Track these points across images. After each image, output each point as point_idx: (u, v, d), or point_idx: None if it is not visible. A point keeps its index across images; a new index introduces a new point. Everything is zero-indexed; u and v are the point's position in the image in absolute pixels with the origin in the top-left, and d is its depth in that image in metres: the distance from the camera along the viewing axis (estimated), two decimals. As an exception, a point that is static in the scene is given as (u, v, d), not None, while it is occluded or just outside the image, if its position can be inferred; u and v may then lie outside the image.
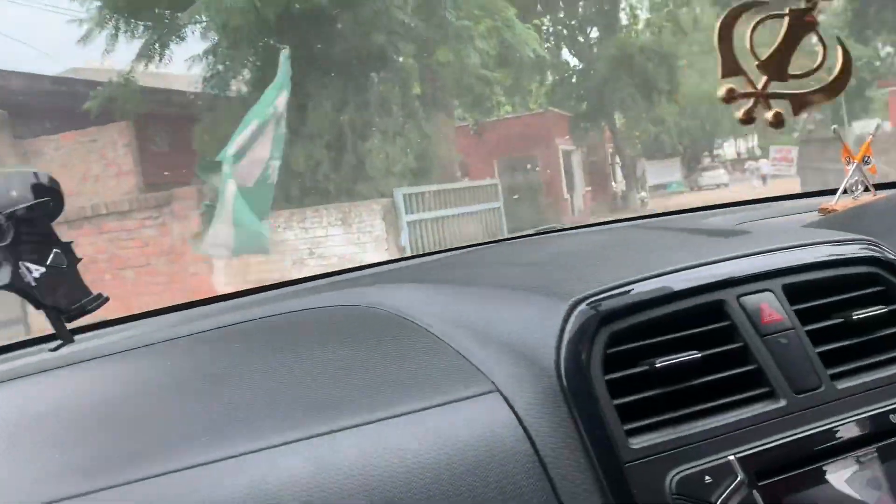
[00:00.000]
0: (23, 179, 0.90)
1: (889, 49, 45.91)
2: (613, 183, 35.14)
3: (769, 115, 0.51)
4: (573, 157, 29.70)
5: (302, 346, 1.09)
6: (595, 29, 29.35)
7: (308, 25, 9.75)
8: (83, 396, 0.98)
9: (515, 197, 25.07)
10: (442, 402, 0.85)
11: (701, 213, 1.93)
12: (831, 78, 0.49)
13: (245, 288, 1.49)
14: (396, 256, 6.50)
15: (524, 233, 2.19)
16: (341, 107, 10.07)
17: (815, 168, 8.78)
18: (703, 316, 0.92)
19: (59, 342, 0.98)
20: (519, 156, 27.19)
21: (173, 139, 12.71)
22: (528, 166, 25.62)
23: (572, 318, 0.88)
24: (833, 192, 1.58)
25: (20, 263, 0.88)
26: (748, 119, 0.51)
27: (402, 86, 9.84)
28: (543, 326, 0.89)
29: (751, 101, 0.53)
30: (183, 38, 10.75)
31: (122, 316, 1.24)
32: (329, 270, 1.61)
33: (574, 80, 29.87)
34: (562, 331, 0.87)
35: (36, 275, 0.88)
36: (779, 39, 0.46)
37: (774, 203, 2.04)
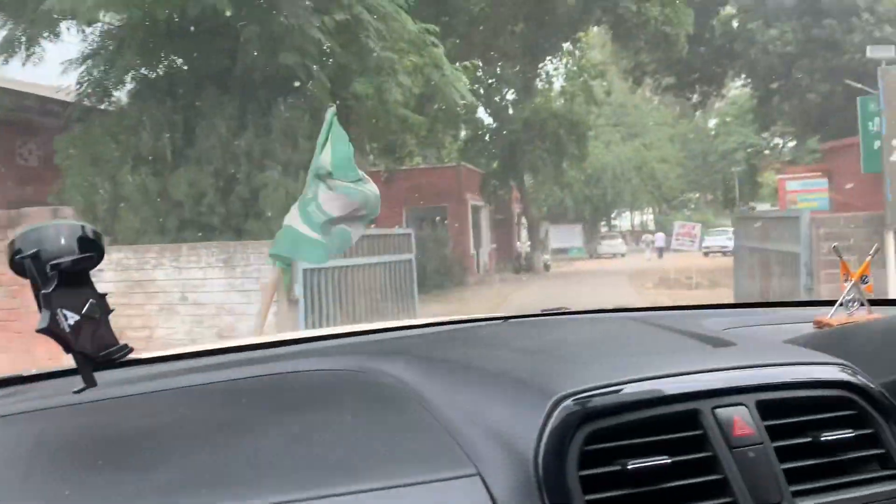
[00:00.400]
0: (72, 232, 0.96)
1: (778, 140, 48.25)
2: (518, 243, 34.61)
3: None
4: (482, 214, 28.86)
5: (302, 407, 1.15)
6: (511, 91, 28.92)
7: (207, 35, 8.24)
8: (98, 437, 1.05)
9: (423, 249, 23.89)
10: (425, 479, 0.87)
11: (698, 311, 1.91)
12: None
13: (256, 342, 1.53)
14: (288, 307, 6.19)
15: (527, 313, 1.91)
16: (238, 131, 8.48)
17: (751, 248, 8.07)
18: (679, 423, 0.94)
19: (83, 386, 1.00)
20: (429, 207, 26.17)
21: (46, 152, 10.79)
22: (438, 218, 24.51)
23: (555, 414, 0.91)
24: (831, 303, 1.58)
25: (58, 310, 0.92)
26: None
27: (312, 115, 8.39)
28: (529, 417, 0.92)
29: None
30: (57, 35, 8.98)
31: (135, 358, 1.20)
32: (328, 333, 1.66)
33: (487, 137, 29.24)
34: (544, 424, 0.90)
35: (71, 322, 0.92)
36: None
37: (771, 309, 2.10)
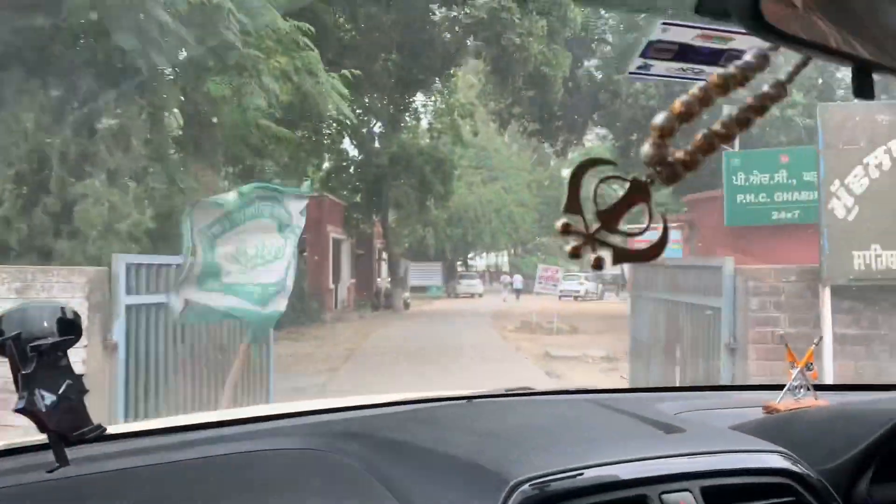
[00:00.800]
0: (52, 313, 0.97)
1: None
2: (378, 279, 33.19)
3: (592, 257, 0.62)
4: (342, 247, 27.23)
5: (269, 488, 1.17)
6: (379, 124, 27.75)
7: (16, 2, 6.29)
8: None
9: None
10: None
11: (654, 394, 1.98)
12: (649, 246, 0.61)
13: (226, 419, 1.53)
14: (113, 354, 5.06)
15: (492, 392, 1.89)
16: (50, 126, 6.54)
17: (654, 297, 7.20)
18: None
19: (56, 465, 0.99)
20: (286, 238, 24.24)
21: None
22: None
23: (512, 499, 0.94)
24: (779, 387, 1.63)
25: (36, 391, 0.92)
26: (575, 254, 0.59)
27: (152, 116, 6.61)
28: (487, 501, 0.95)
29: (581, 241, 0.51)
30: None
31: (108, 434, 1.14)
32: (296, 411, 1.62)
33: (352, 170, 27.81)
34: None
35: (48, 402, 0.93)
36: (619, 198, 0.59)
37: (723, 392, 2.15)
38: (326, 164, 28.25)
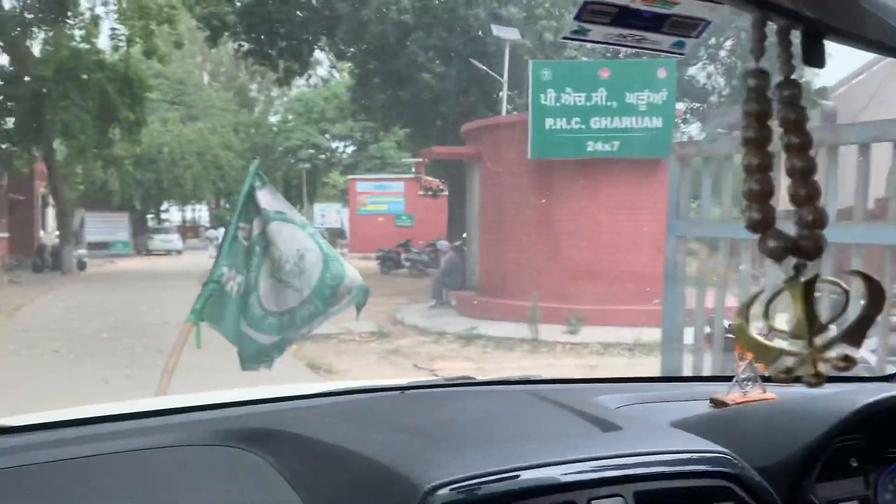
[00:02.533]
0: None
1: (338, 143, 46.46)
2: (43, 232, 25.32)
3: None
4: (-17, 189, 19.65)
5: (169, 484, 1.09)
6: (42, 28, 20.31)
7: None
8: None
9: None
10: None
11: (600, 384, 1.79)
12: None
13: (125, 412, 1.38)
14: None
15: (428, 382, 1.79)
16: None
17: None
18: None
19: None
20: None
21: None
22: None
23: None
24: (728, 379, 1.55)
25: None
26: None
27: None
28: None
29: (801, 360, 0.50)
30: None
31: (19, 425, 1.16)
32: (193, 404, 1.43)
33: (1, 84, 20.07)
34: None
35: None
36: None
37: (669, 384, 1.99)
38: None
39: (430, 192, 22.74)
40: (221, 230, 37.50)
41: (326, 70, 52.86)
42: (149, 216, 42.45)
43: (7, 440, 1.20)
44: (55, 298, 14.83)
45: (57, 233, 22.74)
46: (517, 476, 0.93)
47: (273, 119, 50.82)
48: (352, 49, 20.51)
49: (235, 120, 42.63)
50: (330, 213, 33.59)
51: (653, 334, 10.34)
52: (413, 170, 36.48)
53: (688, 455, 1.05)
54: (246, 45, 20.75)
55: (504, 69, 15.41)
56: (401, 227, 32.42)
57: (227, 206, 46.77)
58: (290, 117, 44.00)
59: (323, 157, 44.01)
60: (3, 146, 19.55)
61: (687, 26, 0.63)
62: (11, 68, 20.10)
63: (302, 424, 1.27)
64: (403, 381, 1.63)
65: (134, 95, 20.65)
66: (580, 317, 10.17)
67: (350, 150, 45.04)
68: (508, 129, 11.08)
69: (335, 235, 37.57)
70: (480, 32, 16.17)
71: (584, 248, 10.43)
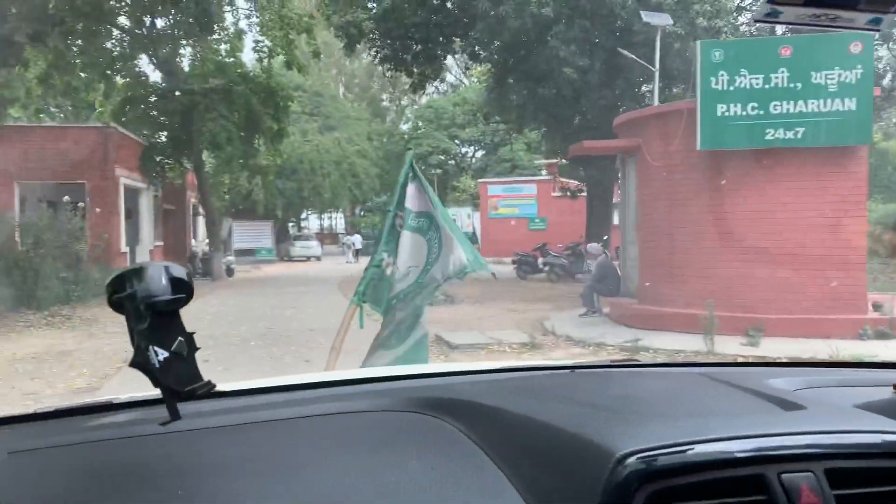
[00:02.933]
0: (165, 272, 0.96)
1: (468, 148, 46.17)
2: (193, 241, 26.50)
3: None
4: (142, 199, 20.58)
5: (369, 446, 1.13)
6: (189, 42, 21.09)
7: None
8: (177, 468, 1.07)
9: (38, 243, 15.20)
10: None
11: (768, 368, 1.74)
12: None
13: (322, 380, 1.49)
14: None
15: (595, 363, 1.84)
16: None
17: None
18: (744, 487, 0.89)
19: (168, 419, 1.00)
20: (56, 184, 17.38)
21: None
22: (68, 199, 15.96)
23: (617, 471, 0.87)
24: None
25: (150, 347, 0.93)
26: None
27: None
28: (592, 474, 0.88)
29: None
30: None
31: (216, 391, 1.07)
32: (384, 375, 1.57)
33: (154, 99, 21.02)
34: (607, 481, 0.86)
35: (161, 358, 0.93)
36: None
37: (845, 369, 1.81)
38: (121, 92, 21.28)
39: (568, 193, 21.73)
40: (357, 237, 38.06)
41: (455, 77, 53.00)
42: (289, 224, 43.96)
43: (228, 402, 1.29)
44: (204, 304, 15.09)
45: (206, 241, 23.60)
46: (707, 447, 0.90)
47: (404, 127, 51.43)
48: (486, 51, 19.88)
49: (369, 129, 43.29)
50: (461, 218, 33.10)
51: (852, 348, 8.93)
52: (543, 171, 35.62)
53: (882, 435, 0.97)
54: (382, 52, 20.61)
55: (655, 57, 14.22)
56: (534, 230, 31.53)
57: (362, 213, 47.67)
58: (420, 124, 44.15)
59: (453, 162, 43.90)
60: (158, 158, 20.40)
61: (885, 1, 0.56)
62: (164, 84, 20.99)
63: (486, 396, 1.30)
64: (570, 362, 1.63)
65: (276, 106, 21.02)
66: (759, 327, 8.91)
67: (479, 154, 44.75)
68: (673, 119, 9.93)
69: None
70: (624, 21, 15.03)
71: (763, 250, 9.13)
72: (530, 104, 18.50)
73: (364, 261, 33.08)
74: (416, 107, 51.34)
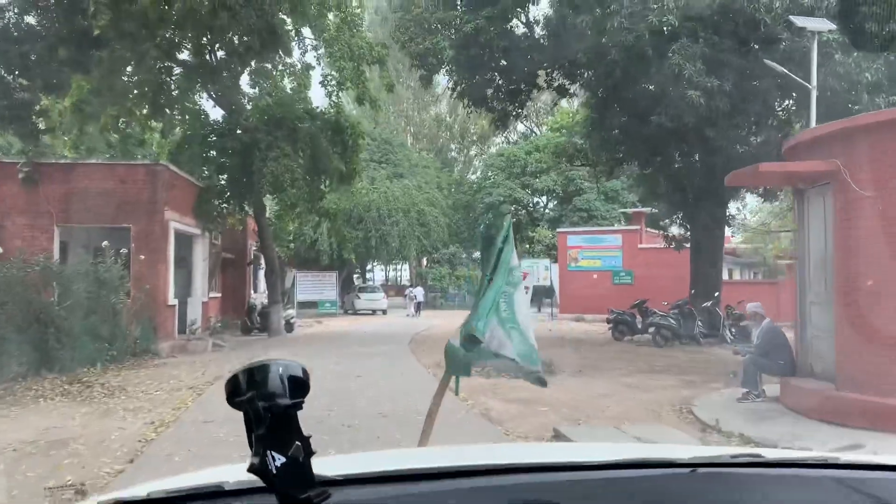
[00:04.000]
0: (286, 372, 0.95)
1: (540, 198, 43.38)
2: (253, 292, 24.18)
3: None
4: (196, 246, 18.41)
5: None
6: (248, 71, 19.07)
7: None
8: None
9: (68, 293, 12.93)
10: None
11: None
12: None
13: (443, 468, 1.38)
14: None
15: (714, 459, 1.51)
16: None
17: None
18: None
19: None
20: (100, 227, 15.27)
21: None
22: (107, 244, 13.71)
23: None
24: None
25: (268, 451, 0.91)
26: None
27: None
28: None
29: None
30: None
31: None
32: (485, 465, 1.41)
33: (213, 138, 18.99)
34: None
35: (278, 464, 0.91)
36: None
37: None
38: (178, 131, 19.38)
39: (672, 244, 18.65)
40: (419, 289, 35.24)
41: (526, 126, 50.64)
42: (354, 275, 41.65)
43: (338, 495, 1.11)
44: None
45: (266, 292, 21.18)
46: None
47: (472, 178, 49.06)
48: (582, 78, 17.16)
49: (438, 177, 41.04)
50: (538, 270, 30.05)
51: None
52: (620, 222, 32.38)
53: None
54: (461, 85, 18.14)
55: (811, 72, 11.19)
56: (619, 284, 28.23)
57: (428, 265, 45.11)
58: (490, 174, 41.64)
59: (524, 212, 41.13)
60: (215, 202, 18.22)
61: None
62: (223, 122, 18.95)
63: (594, 499, 1.24)
64: (686, 454, 1.47)
65: (345, 145, 18.70)
66: None
67: (552, 203, 41.84)
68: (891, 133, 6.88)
69: (542, 294, 34.03)
70: (767, 29, 12.09)
71: None
72: (636, 138, 15.61)
73: (427, 315, 30.16)
74: (484, 156, 49.04)
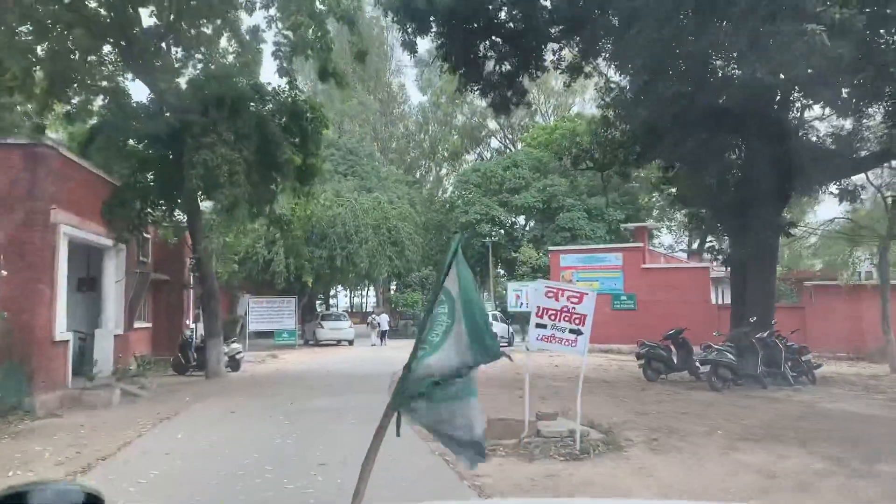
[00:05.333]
0: (73, 495, 0.84)
1: (520, 217, 39.49)
2: (188, 322, 19.43)
3: None
4: (107, 262, 13.86)
5: None
6: (184, 46, 14.74)
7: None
8: None
9: None
10: None
11: None
12: None
13: None
14: None
15: None
16: None
17: None
18: None
19: None
20: (-49, 232, 10.62)
21: None
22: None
23: None
24: None
25: None
26: None
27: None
28: None
29: None
30: None
31: None
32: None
33: (135, 123, 14.52)
34: None
35: None
36: None
37: None
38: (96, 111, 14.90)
39: (718, 257, 14.83)
40: (384, 316, 30.64)
41: (500, 141, 46.96)
42: (317, 301, 37.04)
43: None
44: (169, 438, 8.07)
45: (207, 322, 16.48)
46: None
47: (444, 197, 45.03)
48: (614, 55, 13.23)
49: (410, 193, 36.86)
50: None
51: None
52: (630, 238, 28.64)
53: None
54: (446, 50, 14.05)
55: None
56: (619, 309, 24.30)
57: (398, 289, 40.65)
58: (464, 192, 37.60)
59: (502, 231, 37.17)
60: (137, 205, 13.72)
61: None
62: (149, 105, 14.51)
63: None
64: None
65: (304, 132, 14.43)
66: None
67: (531, 223, 37.99)
68: None
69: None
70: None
71: None
72: (682, 122, 11.72)
73: (395, 344, 25.55)
74: (458, 172, 45.01)
